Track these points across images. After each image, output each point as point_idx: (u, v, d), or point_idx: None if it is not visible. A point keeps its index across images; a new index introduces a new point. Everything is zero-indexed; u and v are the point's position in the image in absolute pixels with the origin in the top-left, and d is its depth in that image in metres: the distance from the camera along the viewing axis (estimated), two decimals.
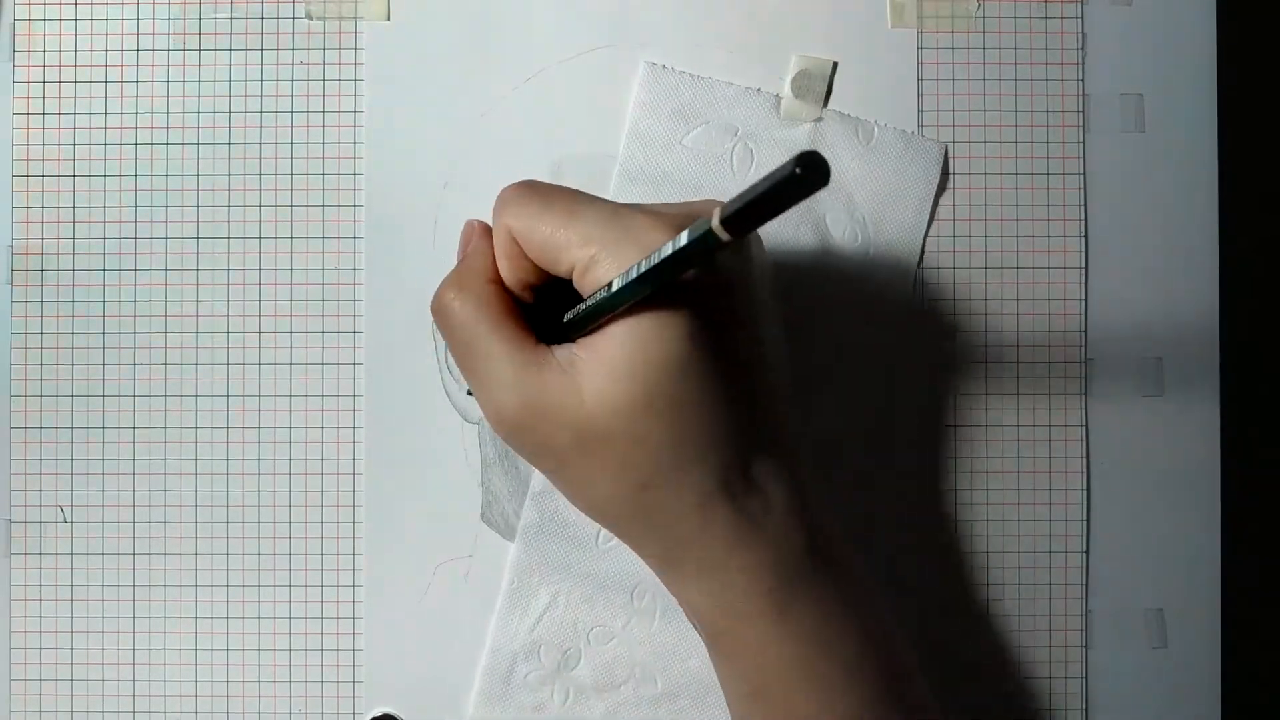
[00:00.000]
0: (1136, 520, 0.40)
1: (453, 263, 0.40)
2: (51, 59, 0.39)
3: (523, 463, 0.39)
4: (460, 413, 0.39)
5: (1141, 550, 0.40)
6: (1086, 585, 0.39)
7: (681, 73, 0.39)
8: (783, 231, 0.38)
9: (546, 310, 0.32)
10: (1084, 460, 0.39)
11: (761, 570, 0.30)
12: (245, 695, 0.38)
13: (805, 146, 0.39)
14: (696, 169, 0.38)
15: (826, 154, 0.39)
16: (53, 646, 0.38)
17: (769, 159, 0.39)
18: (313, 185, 0.39)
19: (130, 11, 0.39)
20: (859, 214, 0.39)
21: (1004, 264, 0.39)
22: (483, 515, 0.39)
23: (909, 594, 0.39)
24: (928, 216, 0.39)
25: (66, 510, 0.39)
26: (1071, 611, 0.39)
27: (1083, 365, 0.40)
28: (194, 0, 0.39)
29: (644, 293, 0.27)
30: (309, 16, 0.39)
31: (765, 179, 0.22)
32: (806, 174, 0.21)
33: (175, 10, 0.39)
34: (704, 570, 0.30)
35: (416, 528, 0.39)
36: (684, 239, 0.25)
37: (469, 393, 0.35)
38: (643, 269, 0.27)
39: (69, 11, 0.39)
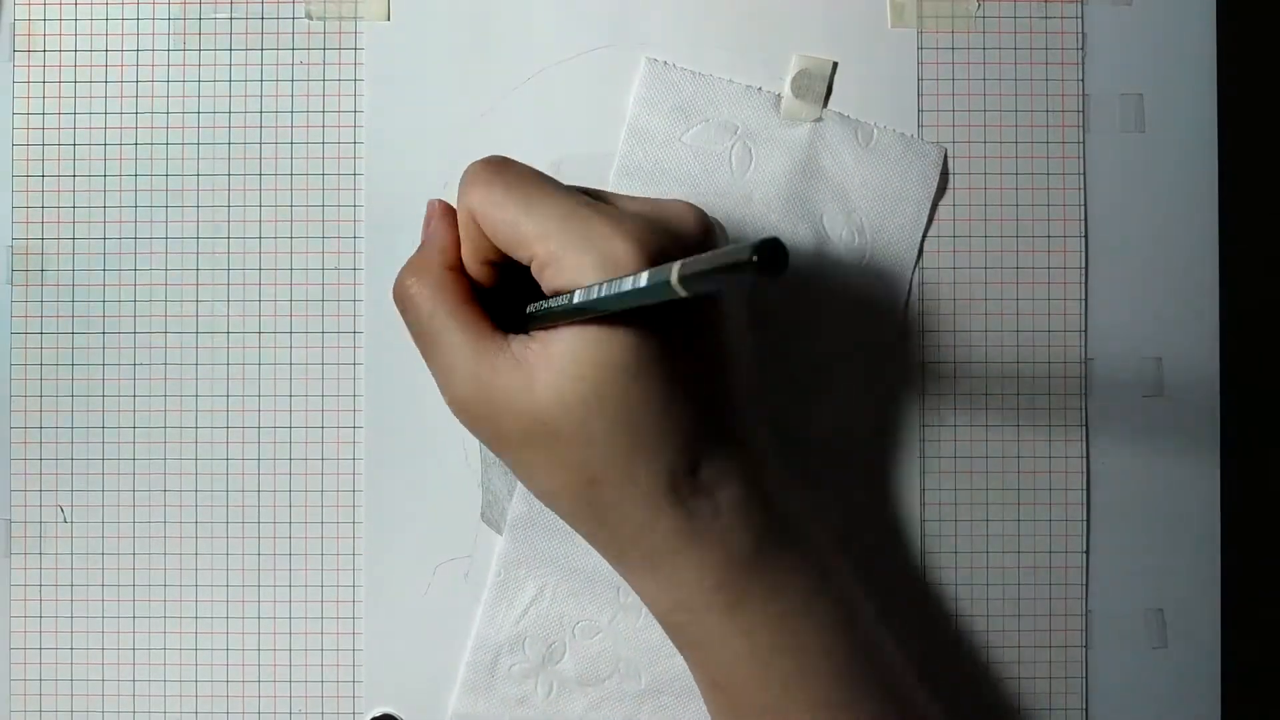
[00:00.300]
0: (1136, 520, 0.40)
1: None
2: (51, 59, 0.39)
3: None
4: None
5: (1141, 550, 0.40)
6: (1086, 585, 0.39)
7: (683, 69, 0.39)
8: (778, 231, 0.38)
9: (507, 294, 0.32)
10: (1084, 460, 0.39)
11: (710, 568, 0.31)
12: (245, 695, 0.38)
13: (803, 147, 0.39)
14: (695, 166, 0.38)
15: (826, 155, 0.39)
16: (53, 646, 0.38)
17: (768, 159, 0.39)
18: (313, 185, 0.39)
19: (130, 11, 0.39)
20: (857, 216, 0.39)
21: (1004, 264, 0.39)
22: (483, 515, 0.39)
23: (908, 593, 0.39)
24: (926, 219, 0.39)
25: (66, 510, 0.39)
26: (1071, 611, 0.39)
27: (1083, 365, 0.40)
28: (194, 0, 0.39)
29: (598, 313, 0.28)
30: (309, 16, 0.39)
31: (729, 251, 0.23)
32: (764, 264, 0.22)
33: (175, 10, 0.39)
34: (653, 565, 0.31)
35: (416, 528, 0.39)
36: (644, 280, 0.26)
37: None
38: (602, 293, 0.27)
39: (69, 11, 0.39)
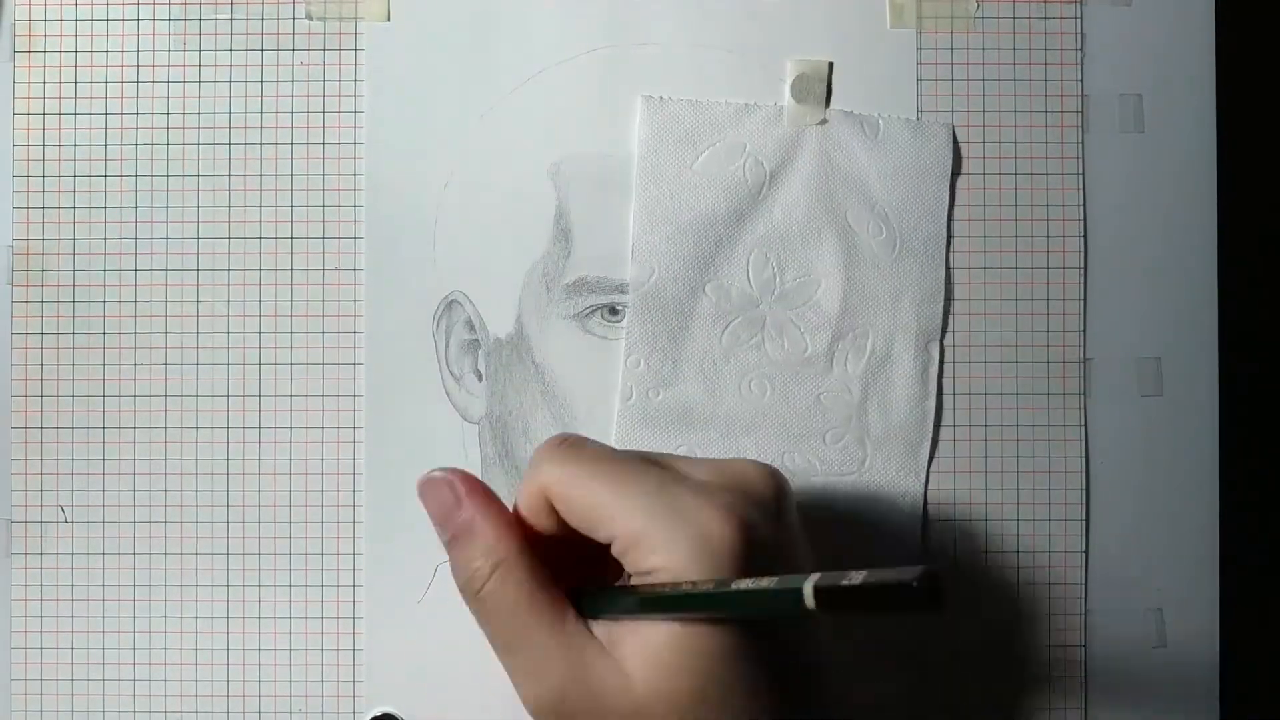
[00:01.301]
0: (1136, 520, 0.40)
1: (458, 265, 0.40)
2: (52, 59, 0.39)
3: (523, 461, 0.39)
4: (460, 412, 0.39)
5: (1141, 550, 0.40)
6: (1086, 585, 0.39)
7: (680, 100, 0.39)
8: (805, 238, 0.38)
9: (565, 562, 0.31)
10: (1083, 460, 0.39)
11: None
12: (245, 695, 0.38)
13: (813, 151, 0.39)
14: (711, 192, 0.38)
15: (838, 154, 0.39)
16: (53, 646, 0.38)
17: (781, 169, 0.38)
18: (313, 185, 0.39)
19: (130, 12, 0.39)
20: (880, 208, 0.39)
21: (1004, 264, 0.39)
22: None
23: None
24: (948, 198, 0.39)
25: (67, 510, 0.39)
26: (1071, 611, 0.39)
27: (1082, 365, 0.40)
28: (194, 0, 0.39)
29: (706, 616, 0.27)
30: (309, 17, 0.39)
31: (880, 573, 0.21)
32: (923, 593, 0.20)
33: (175, 10, 0.39)
34: None
35: (416, 528, 0.39)
36: (768, 584, 0.25)
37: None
38: (713, 594, 0.26)
39: (69, 12, 0.39)
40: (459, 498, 0.31)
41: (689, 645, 0.28)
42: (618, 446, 0.38)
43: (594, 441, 0.31)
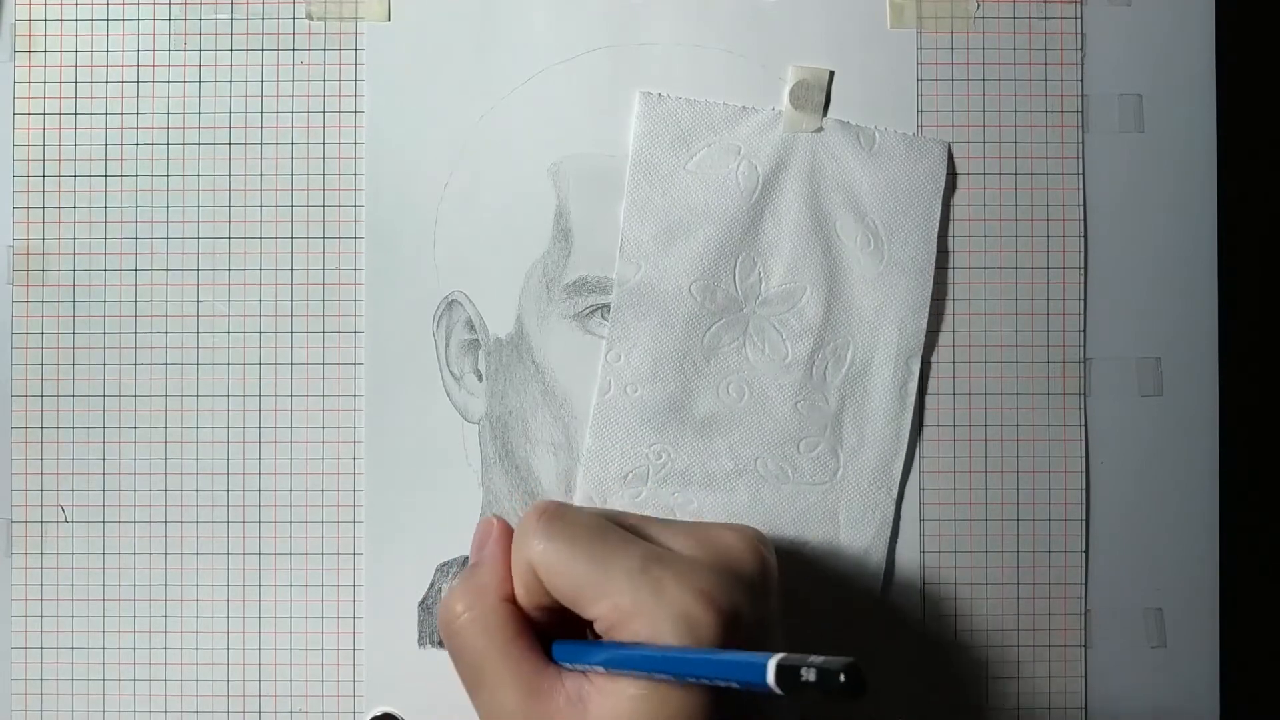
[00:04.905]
0: (1136, 520, 0.40)
1: (458, 265, 0.40)
2: (52, 59, 0.39)
3: (523, 461, 0.39)
4: (460, 412, 0.39)
5: (1141, 550, 0.40)
6: (1086, 585, 0.39)
7: (678, 99, 0.39)
8: (794, 245, 0.38)
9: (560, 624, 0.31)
10: (1083, 460, 0.39)
11: None
12: (245, 695, 0.38)
13: (807, 158, 0.39)
14: (703, 193, 0.38)
15: (831, 163, 0.39)
16: (53, 646, 0.38)
17: (774, 175, 0.38)
18: (313, 185, 0.39)
19: (130, 12, 0.39)
20: (870, 220, 0.39)
21: (1004, 264, 0.39)
22: (483, 515, 0.39)
23: (907, 593, 0.39)
24: (939, 215, 0.39)
25: (67, 510, 0.39)
26: (1071, 611, 0.39)
27: (1082, 365, 0.40)
28: (194, 0, 0.39)
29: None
30: (309, 17, 0.39)
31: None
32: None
33: (175, 10, 0.39)
34: None
35: (416, 528, 0.39)
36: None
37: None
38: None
39: (69, 12, 0.39)
40: (483, 541, 0.33)
41: (654, 706, 0.28)
42: (592, 441, 0.38)
43: (576, 510, 0.31)
